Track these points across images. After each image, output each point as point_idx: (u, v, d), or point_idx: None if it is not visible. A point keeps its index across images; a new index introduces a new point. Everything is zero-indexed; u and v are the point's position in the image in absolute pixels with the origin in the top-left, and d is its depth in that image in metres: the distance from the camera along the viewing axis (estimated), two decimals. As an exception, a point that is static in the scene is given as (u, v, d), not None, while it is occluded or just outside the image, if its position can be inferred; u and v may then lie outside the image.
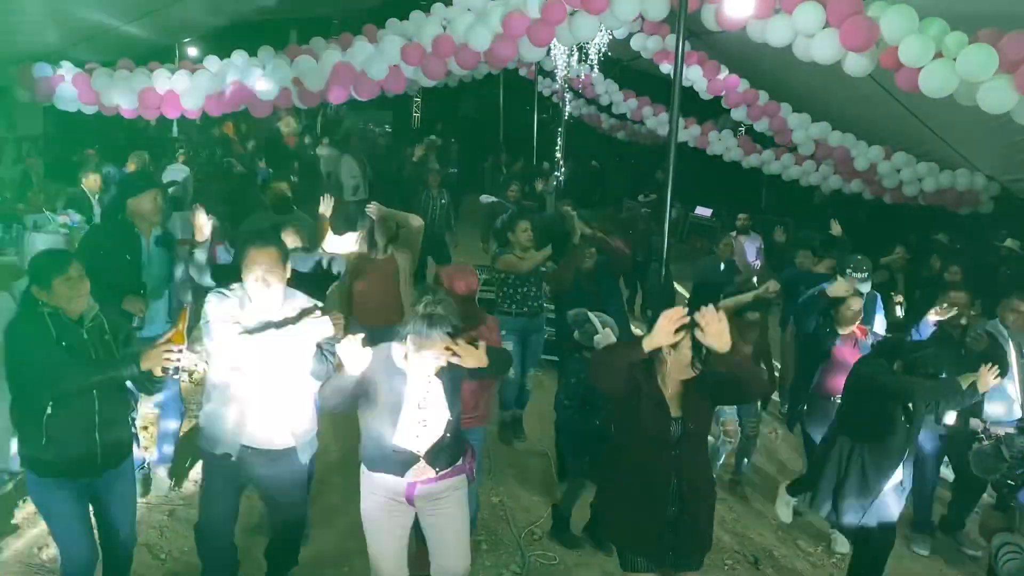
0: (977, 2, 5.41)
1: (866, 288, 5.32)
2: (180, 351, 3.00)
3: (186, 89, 7.16)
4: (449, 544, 3.30)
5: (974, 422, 2.62)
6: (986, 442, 2.54)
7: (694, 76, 9.22)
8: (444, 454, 3.19)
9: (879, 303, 5.42)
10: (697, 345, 2.96)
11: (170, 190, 7.38)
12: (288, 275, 3.32)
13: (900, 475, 3.99)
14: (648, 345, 2.88)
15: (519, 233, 5.63)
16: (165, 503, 4.65)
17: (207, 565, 3.61)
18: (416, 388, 3.10)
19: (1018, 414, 3.62)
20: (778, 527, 4.98)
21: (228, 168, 11.31)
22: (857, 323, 4.75)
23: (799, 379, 5.15)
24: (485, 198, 9.51)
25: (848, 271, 5.24)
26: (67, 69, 7.30)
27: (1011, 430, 2.51)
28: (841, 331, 4.71)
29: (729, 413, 5.17)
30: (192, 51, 11.61)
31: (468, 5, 7.71)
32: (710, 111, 10.87)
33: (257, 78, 7.07)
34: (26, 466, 3.22)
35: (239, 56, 7.63)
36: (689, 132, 10.74)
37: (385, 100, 8.34)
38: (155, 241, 4.45)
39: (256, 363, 3.21)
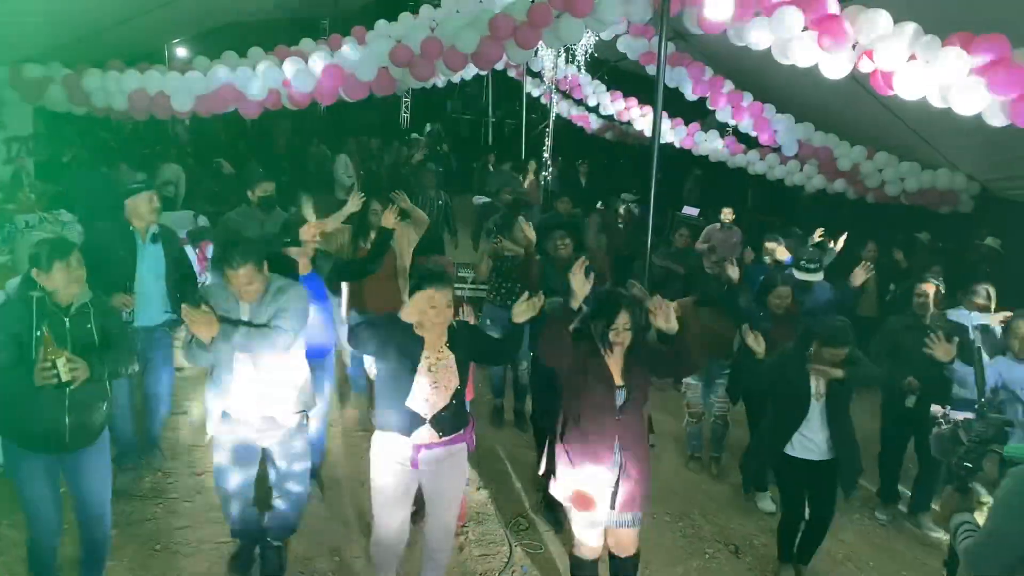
0: (949, 7, 5.55)
1: (818, 277, 5.68)
2: (53, 364, 3.10)
3: (176, 90, 7.22)
4: (443, 503, 3.68)
5: (935, 408, 2.73)
6: (945, 427, 2.66)
7: (679, 77, 9.35)
8: (449, 420, 3.50)
9: (830, 291, 5.72)
10: (637, 324, 3.46)
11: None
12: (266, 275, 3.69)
13: (823, 444, 4.22)
14: (575, 303, 3.44)
15: (519, 229, 5.69)
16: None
17: (235, 526, 4.03)
18: (430, 355, 3.45)
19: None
20: (759, 517, 5.11)
21: (217, 168, 11.38)
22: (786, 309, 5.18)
23: (744, 360, 5.38)
24: (478, 199, 9.66)
25: (802, 262, 5.70)
26: (57, 70, 7.36)
27: (970, 415, 2.63)
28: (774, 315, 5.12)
29: (692, 395, 5.62)
30: (181, 52, 11.65)
31: (456, 6, 7.84)
32: (696, 112, 11.00)
33: (247, 79, 7.14)
34: (3, 433, 3.47)
35: (229, 57, 7.71)
36: (675, 133, 10.86)
37: (374, 101, 8.42)
38: (151, 239, 4.69)
39: (252, 349, 3.60)
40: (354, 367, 6.20)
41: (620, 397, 3.48)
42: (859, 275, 5.40)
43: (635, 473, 3.55)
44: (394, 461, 3.54)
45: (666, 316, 3.45)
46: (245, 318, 3.64)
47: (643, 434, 3.68)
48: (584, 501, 3.56)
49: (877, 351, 5.01)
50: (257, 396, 3.71)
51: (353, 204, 5.24)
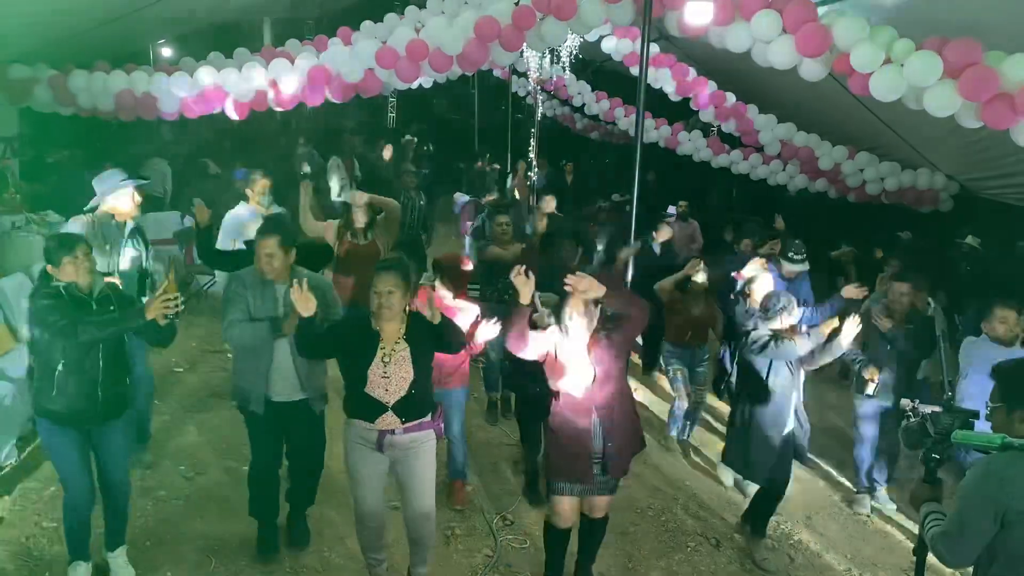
0: (924, 11, 5.67)
1: (803, 268, 6.17)
2: (177, 299, 3.44)
3: (163, 91, 7.24)
4: (415, 489, 3.84)
5: (904, 401, 2.83)
6: (913, 420, 2.76)
7: (663, 78, 9.44)
8: (411, 407, 3.69)
9: (807, 287, 6.28)
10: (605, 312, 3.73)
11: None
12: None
13: (789, 425, 4.66)
14: (523, 299, 3.62)
15: (497, 227, 6.11)
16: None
17: (255, 500, 4.30)
18: (386, 346, 3.64)
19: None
20: (739, 512, 5.20)
21: (203, 168, 11.38)
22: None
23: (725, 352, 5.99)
24: (459, 197, 9.73)
25: (790, 254, 6.12)
26: (43, 71, 7.36)
27: (938, 409, 2.73)
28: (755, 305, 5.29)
29: (678, 379, 5.95)
30: (167, 52, 11.64)
31: (442, 7, 7.90)
32: (680, 112, 11.10)
33: (233, 80, 7.17)
34: (40, 414, 3.76)
35: (215, 58, 7.74)
36: (659, 133, 10.96)
37: (360, 101, 8.47)
38: (128, 233, 4.88)
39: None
40: None
41: (590, 374, 3.72)
42: (851, 292, 5.71)
43: (617, 441, 3.79)
44: (361, 446, 3.75)
45: (587, 286, 3.53)
46: (274, 301, 3.95)
47: (624, 406, 3.88)
48: (569, 472, 3.81)
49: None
50: (286, 380, 4.02)
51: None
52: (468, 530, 4.73)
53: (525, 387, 4.75)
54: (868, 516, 5.34)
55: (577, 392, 3.73)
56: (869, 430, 5.33)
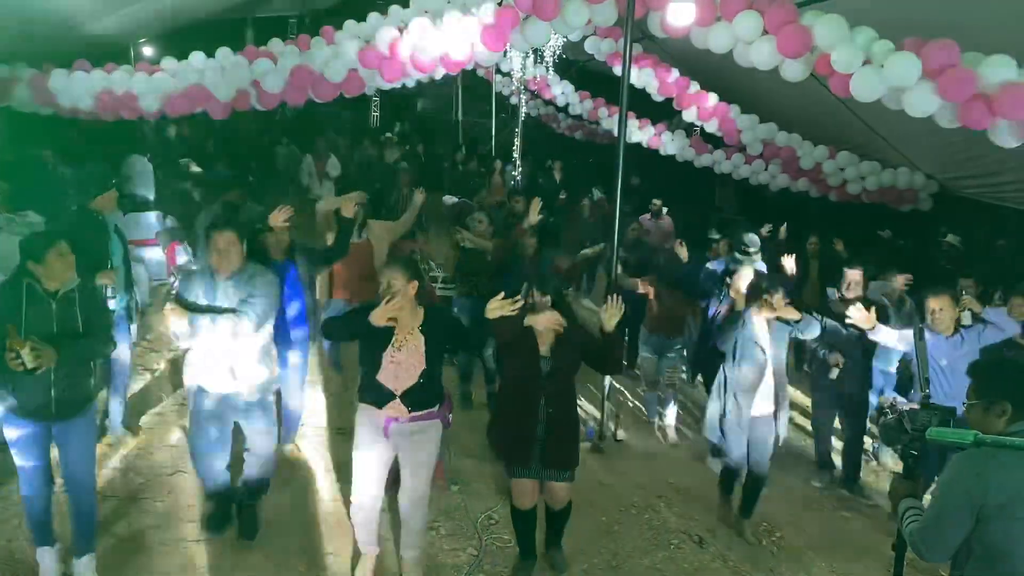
0: (903, 12, 5.72)
1: (754, 260, 6.25)
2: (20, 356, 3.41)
3: (144, 91, 7.19)
4: (413, 475, 3.97)
5: (882, 398, 2.88)
6: (890, 416, 2.80)
7: (646, 78, 9.48)
8: (418, 397, 3.82)
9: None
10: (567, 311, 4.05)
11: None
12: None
13: (770, 406, 4.81)
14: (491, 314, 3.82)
15: (476, 224, 6.33)
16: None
17: (208, 487, 4.40)
18: (400, 335, 3.80)
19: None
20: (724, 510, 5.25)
21: (184, 169, 11.29)
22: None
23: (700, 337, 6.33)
24: (448, 199, 9.79)
25: (742, 247, 6.28)
26: (23, 70, 7.29)
27: (916, 406, 2.77)
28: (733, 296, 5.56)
29: (647, 367, 6.37)
30: (148, 52, 11.55)
31: (425, 7, 7.88)
32: (664, 112, 11.14)
33: (215, 80, 7.13)
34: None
35: (197, 57, 7.68)
36: (643, 133, 11.00)
37: (344, 100, 8.45)
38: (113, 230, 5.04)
39: (219, 330, 3.97)
40: (331, 351, 6.70)
41: (546, 366, 3.98)
42: (787, 263, 6.18)
43: (560, 433, 4.03)
44: (369, 431, 3.89)
45: (610, 316, 3.96)
46: (220, 297, 4.02)
47: (571, 402, 4.16)
48: (510, 454, 4.11)
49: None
50: (226, 373, 4.09)
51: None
52: (453, 529, 4.73)
53: None
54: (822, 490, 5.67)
55: (528, 380, 4.01)
56: (827, 417, 5.73)
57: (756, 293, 4.79)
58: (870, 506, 5.47)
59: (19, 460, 3.82)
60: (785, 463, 5.99)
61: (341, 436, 5.63)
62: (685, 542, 4.85)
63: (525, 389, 4.03)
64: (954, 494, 2.52)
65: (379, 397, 3.82)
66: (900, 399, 2.87)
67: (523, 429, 4.01)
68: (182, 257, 8.15)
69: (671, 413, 6.43)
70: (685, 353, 6.70)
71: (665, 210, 10.23)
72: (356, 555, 4.24)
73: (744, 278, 5.41)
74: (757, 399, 4.79)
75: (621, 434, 6.19)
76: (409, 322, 3.82)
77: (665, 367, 6.35)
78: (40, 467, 3.85)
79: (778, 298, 4.64)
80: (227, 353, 4.07)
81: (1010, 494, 2.43)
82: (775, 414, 4.87)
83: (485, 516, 4.89)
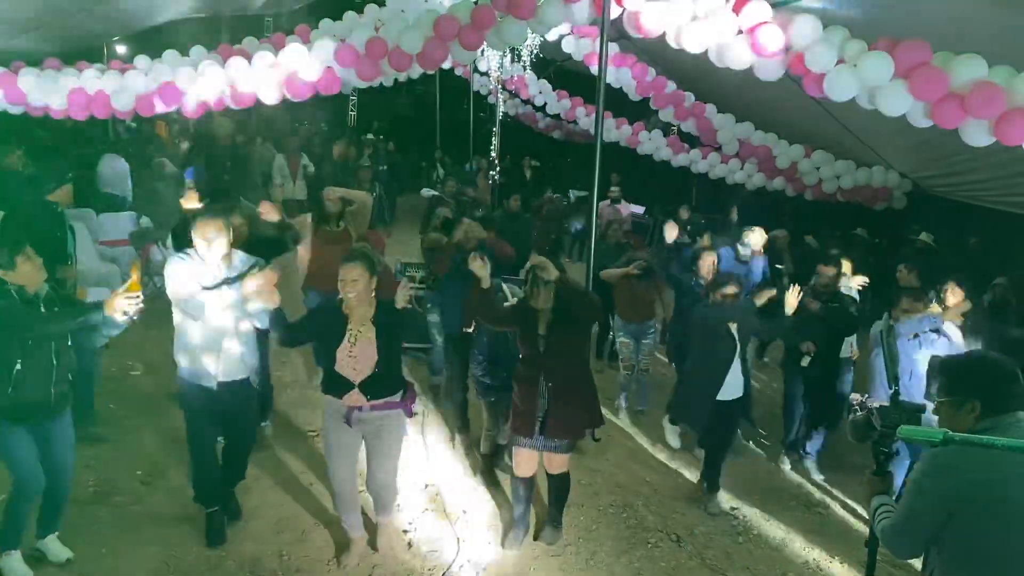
0: (876, 12, 5.78)
1: (747, 252, 6.83)
2: (139, 297, 3.56)
3: (117, 89, 7.11)
4: (379, 463, 4.20)
5: (853, 396, 2.89)
6: (859, 413, 2.82)
7: (623, 78, 9.51)
8: (377, 386, 3.99)
9: (765, 267, 7.07)
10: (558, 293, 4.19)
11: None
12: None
13: (733, 391, 5.07)
14: (483, 284, 4.19)
15: (438, 216, 6.58)
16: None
17: (197, 470, 4.43)
18: (353, 328, 3.96)
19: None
20: (699, 507, 5.26)
21: (159, 168, 11.17)
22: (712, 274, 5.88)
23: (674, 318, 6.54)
24: (426, 192, 9.85)
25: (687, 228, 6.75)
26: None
27: (885, 403, 2.79)
28: (703, 280, 5.89)
29: (624, 351, 6.61)
30: (121, 50, 11.43)
31: (402, 6, 7.86)
32: (641, 111, 11.18)
33: (189, 79, 7.06)
34: None
35: (170, 56, 7.61)
36: (620, 132, 11.03)
37: (321, 99, 8.41)
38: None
39: (214, 312, 3.99)
40: None
41: (542, 344, 4.24)
42: (791, 302, 5.26)
43: (561, 406, 4.26)
44: (335, 420, 4.07)
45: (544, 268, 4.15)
46: (210, 281, 3.99)
47: (573, 376, 4.35)
48: (516, 426, 4.37)
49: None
50: (212, 357, 4.11)
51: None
52: (429, 529, 4.71)
53: (492, 371, 5.11)
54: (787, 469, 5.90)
55: (530, 357, 4.28)
56: (799, 402, 5.86)
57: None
58: (846, 501, 5.51)
59: (16, 462, 3.85)
60: (757, 456, 6.08)
61: (314, 437, 5.63)
62: (663, 541, 4.85)
63: (528, 367, 4.32)
64: (924, 492, 2.53)
65: (339, 387, 3.98)
66: (869, 397, 2.87)
67: (527, 404, 4.29)
68: (158, 257, 8.06)
69: (645, 397, 6.68)
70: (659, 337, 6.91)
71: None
72: (340, 548, 4.38)
73: (706, 264, 5.83)
74: (728, 382, 5.07)
75: (598, 432, 6.18)
76: (363, 316, 3.97)
77: (642, 352, 6.56)
78: (37, 466, 3.88)
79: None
80: (215, 338, 4.08)
81: (979, 491, 2.45)
82: (741, 400, 5.17)
83: (464, 515, 4.88)
